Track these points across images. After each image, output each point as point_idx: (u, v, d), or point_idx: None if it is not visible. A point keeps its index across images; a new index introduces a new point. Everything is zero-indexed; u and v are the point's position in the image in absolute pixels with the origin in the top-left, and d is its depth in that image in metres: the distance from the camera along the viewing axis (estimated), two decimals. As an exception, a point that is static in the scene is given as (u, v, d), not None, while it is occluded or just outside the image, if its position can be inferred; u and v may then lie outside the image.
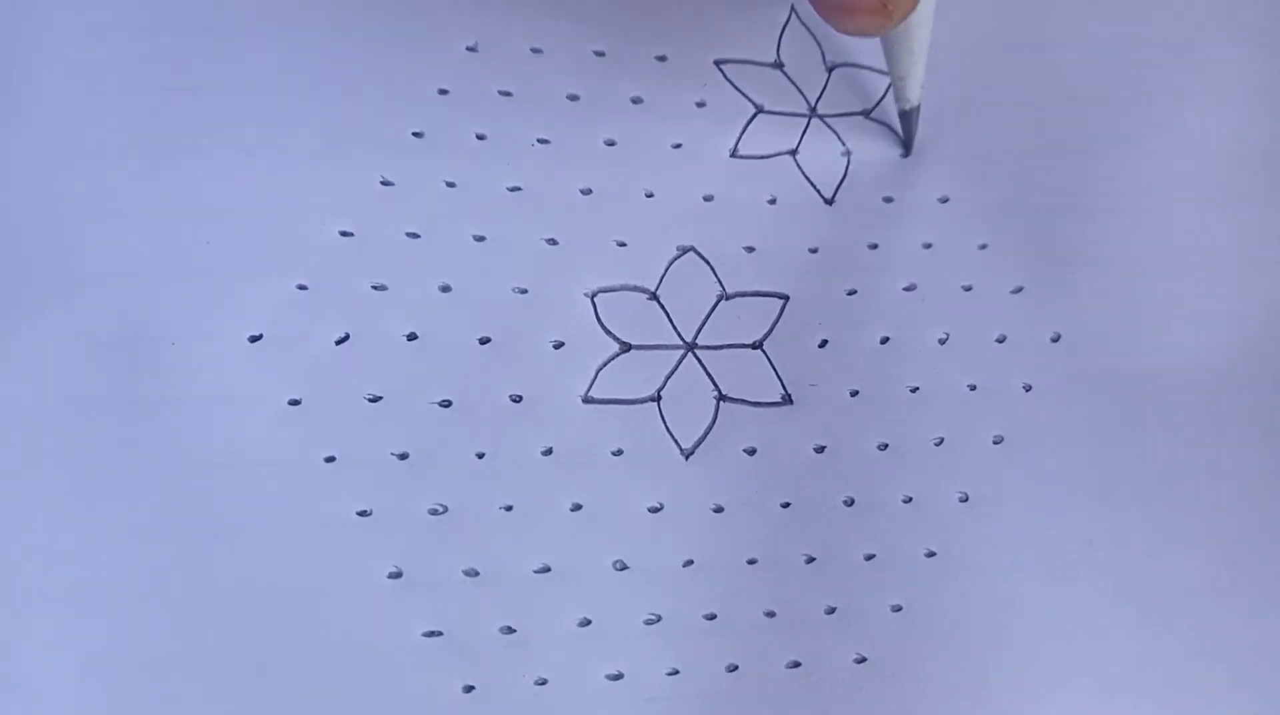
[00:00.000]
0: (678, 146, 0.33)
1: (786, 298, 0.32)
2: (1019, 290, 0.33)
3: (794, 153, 0.33)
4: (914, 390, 0.32)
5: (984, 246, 0.34)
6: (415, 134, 0.32)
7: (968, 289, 0.33)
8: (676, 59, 0.33)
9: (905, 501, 0.31)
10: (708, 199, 0.33)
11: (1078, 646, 0.31)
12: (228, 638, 0.28)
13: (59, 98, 0.30)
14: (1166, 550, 0.32)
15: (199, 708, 0.27)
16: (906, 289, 0.33)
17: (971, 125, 0.34)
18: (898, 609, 0.31)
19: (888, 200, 0.34)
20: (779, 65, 0.34)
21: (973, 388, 0.32)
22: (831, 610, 0.30)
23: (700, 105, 0.33)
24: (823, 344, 0.32)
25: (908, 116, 0.33)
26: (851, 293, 0.33)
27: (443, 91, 0.32)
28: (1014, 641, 0.31)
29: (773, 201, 0.33)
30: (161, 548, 0.28)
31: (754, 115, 0.33)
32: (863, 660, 0.30)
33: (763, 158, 0.33)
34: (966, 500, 0.31)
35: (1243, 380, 0.33)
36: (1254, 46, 0.36)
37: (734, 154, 0.33)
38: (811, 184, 0.33)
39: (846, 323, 0.32)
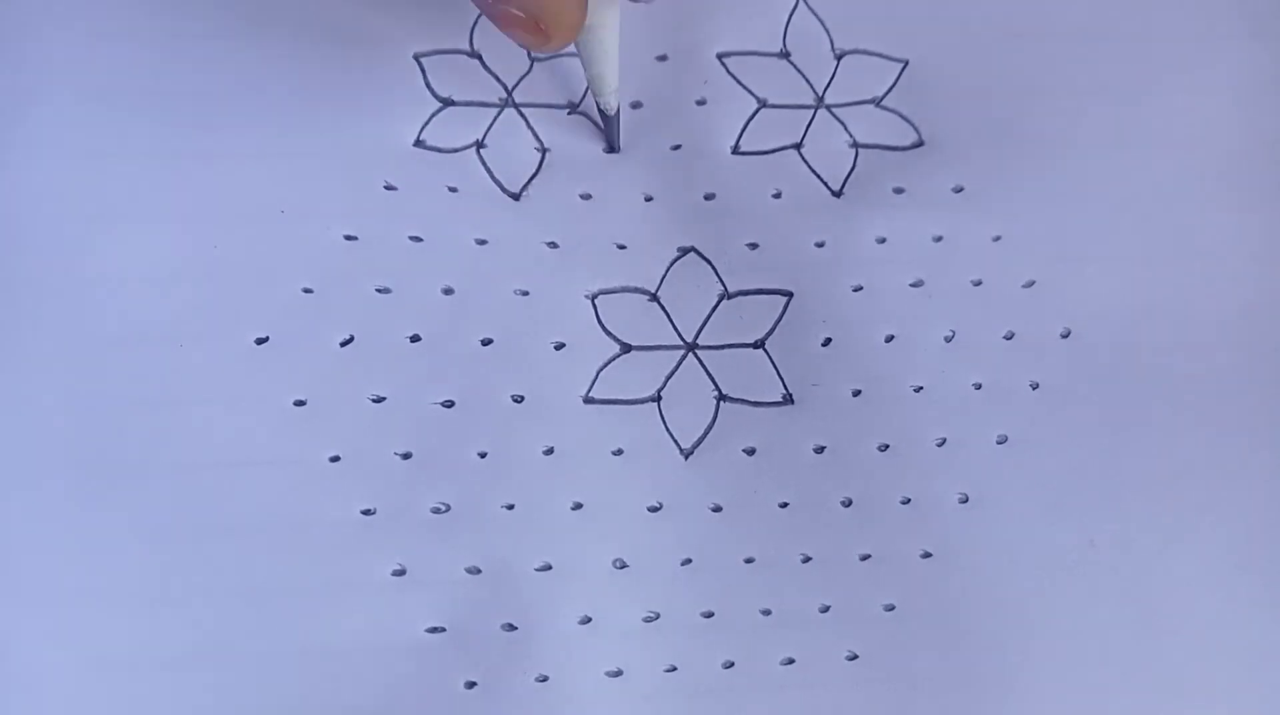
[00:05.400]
0: (677, 148, 0.32)
1: (790, 294, 0.32)
2: (1031, 284, 0.33)
3: (799, 146, 0.33)
4: (918, 390, 0.32)
5: (998, 238, 0.33)
6: (418, 141, 0.32)
7: (977, 284, 0.33)
8: (677, 57, 0.33)
9: (904, 503, 0.31)
10: (709, 198, 0.32)
11: (1074, 646, 0.31)
12: (233, 634, 0.29)
13: (68, 101, 0.31)
14: (1166, 550, 0.32)
15: (205, 703, 0.29)
16: (914, 285, 0.32)
17: (989, 112, 0.33)
18: (890, 608, 0.31)
19: (898, 191, 0.33)
20: (785, 55, 0.33)
21: (978, 387, 0.32)
22: (825, 609, 0.31)
23: (700, 104, 0.33)
24: (826, 342, 0.32)
25: (609, 121, 0.32)
26: (857, 289, 0.32)
27: (446, 101, 0.32)
28: (1007, 641, 0.31)
29: (778, 196, 0.33)
30: (168, 546, 0.29)
31: (756, 110, 0.33)
32: (854, 658, 0.31)
33: (766, 153, 0.33)
34: (966, 501, 0.31)
35: (1246, 379, 0.33)
36: (1266, 39, 0.34)
37: (736, 151, 0.33)
38: (818, 177, 0.33)
39: (851, 320, 0.32)
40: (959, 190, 0.33)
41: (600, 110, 0.31)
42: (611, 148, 0.32)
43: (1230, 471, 0.32)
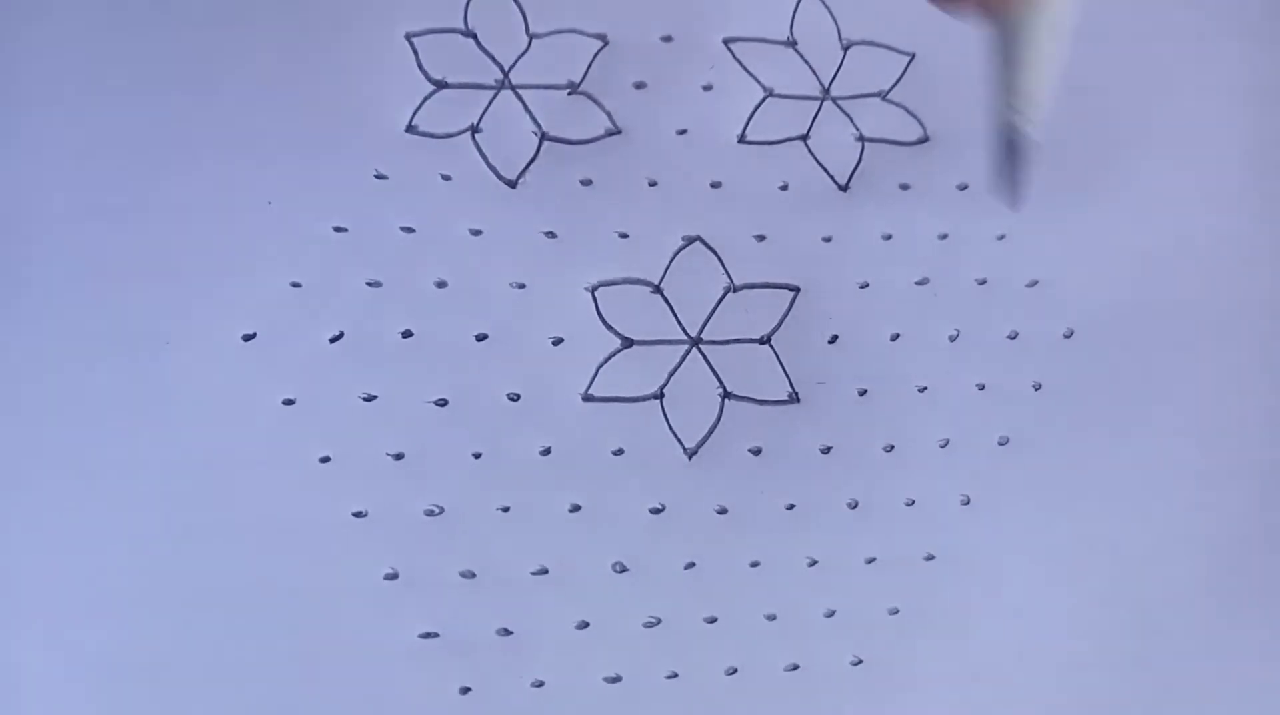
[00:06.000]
0: (683, 133, 0.31)
1: (797, 290, 0.31)
2: (1034, 284, 0.32)
3: (805, 138, 0.32)
4: (922, 389, 0.31)
5: (1002, 237, 0.32)
6: (410, 128, 0.30)
7: (982, 282, 0.32)
8: (682, 39, 0.32)
9: (908, 504, 0.31)
10: (715, 186, 0.31)
11: (1076, 648, 0.31)
12: (222, 638, 0.28)
13: (51, 96, 0.29)
14: (1166, 550, 0.32)
15: (194, 707, 0.28)
16: (919, 283, 0.32)
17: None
18: (895, 612, 0.30)
19: (904, 187, 0.32)
20: (792, 43, 0.32)
21: (981, 387, 0.32)
22: (831, 613, 0.30)
23: (707, 89, 0.32)
24: (833, 340, 0.31)
25: (1013, 146, 0.22)
26: (864, 286, 0.32)
27: (439, 83, 0.31)
28: (1010, 644, 0.31)
29: (784, 188, 0.32)
30: (155, 547, 0.28)
31: (763, 99, 0.32)
32: (859, 663, 0.30)
33: (773, 143, 0.32)
34: (968, 503, 0.31)
35: (1247, 379, 0.33)
36: (1269, 41, 0.34)
37: (742, 139, 0.32)
38: (825, 170, 0.32)
39: (858, 318, 0.31)
40: (964, 188, 0.33)
41: (1007, 136, 0.22)
42: (1014, 184, 0.22)
43: (1230, 472, 0.32)
